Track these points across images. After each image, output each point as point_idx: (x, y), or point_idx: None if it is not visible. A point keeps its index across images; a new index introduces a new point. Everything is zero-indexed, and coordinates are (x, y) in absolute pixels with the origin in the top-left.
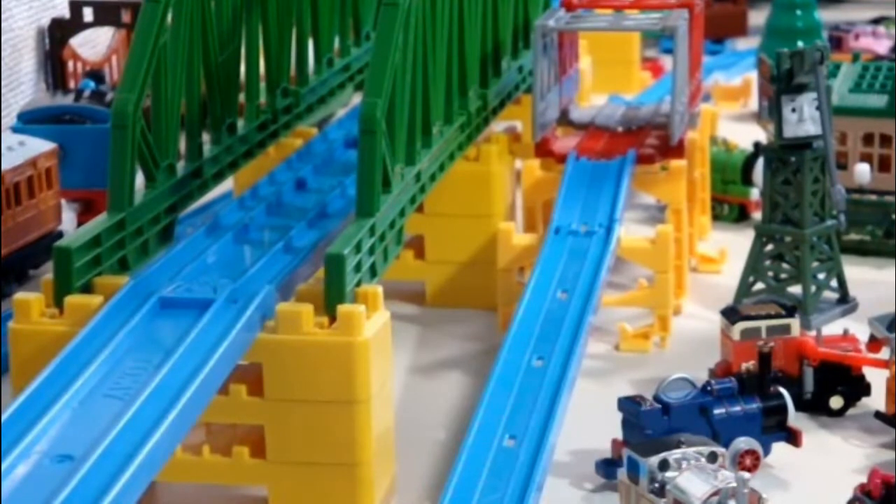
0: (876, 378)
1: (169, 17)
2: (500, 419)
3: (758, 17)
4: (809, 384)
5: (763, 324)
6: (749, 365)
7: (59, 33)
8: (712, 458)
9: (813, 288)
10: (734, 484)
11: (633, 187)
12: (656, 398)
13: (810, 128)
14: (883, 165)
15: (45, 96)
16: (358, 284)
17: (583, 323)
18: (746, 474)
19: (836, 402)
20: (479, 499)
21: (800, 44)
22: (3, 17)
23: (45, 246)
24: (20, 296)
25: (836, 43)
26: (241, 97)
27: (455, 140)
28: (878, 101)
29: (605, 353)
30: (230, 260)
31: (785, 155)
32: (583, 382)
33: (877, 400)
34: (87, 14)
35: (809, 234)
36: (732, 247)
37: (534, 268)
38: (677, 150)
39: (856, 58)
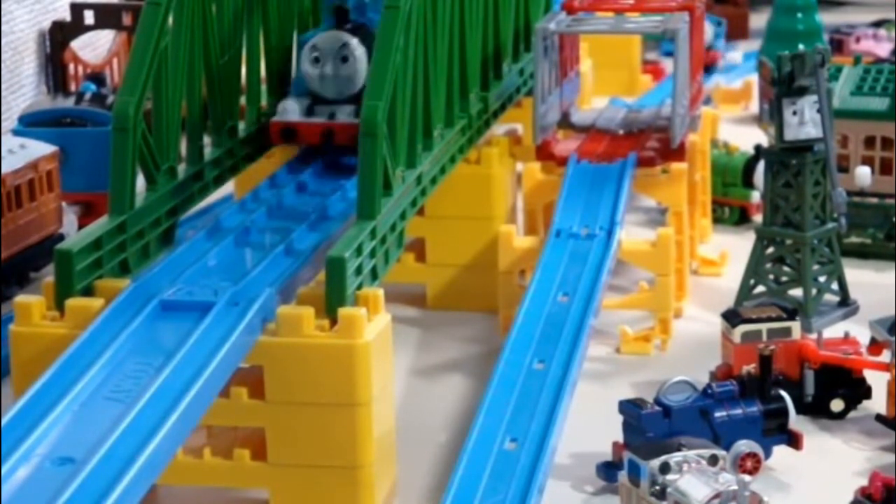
0: (877, 381)
1: (170, 20)
2: (500, 422)
3: (759, 20)
4: (810, 387)
5: (764, 326)
6: (750, 368)
7: (59, 36)
8: (713, 460)
9: (814, 291)
10: (735, 487)
11: (634, 190)
12: (657, 401)
13: (811, 131)
14: (884, 168)
15: (45, 99)
16: (359, 287)
17: (584, 326)
18: (747, 477)
19: (836, 404)
20: (480, 501)
21: (801, 46)
22: (3, 19)
23: (46, 249)
24: (21, 298)
25: (837, 46)
26: (243, 100)
27: (456, 143)
28: (880, 103)
29: (605, 355)
30: (231, 263)
31: (786, 158)
32: (584, 385)
33: (878, 403)
34: (88, 17)
35: (810, 237)
36: (733, 250)
37: (535, 271)
38: (678, 153)
39: (857, 60)
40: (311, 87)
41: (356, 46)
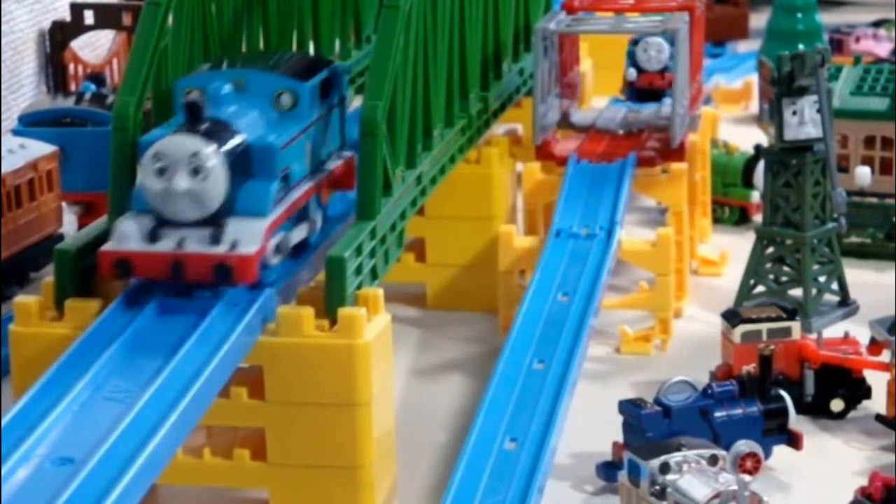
0: (877, 381)
1: (170, 20)
2: (500, 422)
3: (759, 20)
4: (810, 387)
5: (764, 326)
6: (750, 368)
7: (59, 36)
8: (713, 460)
9: (814, 291)
10: (735, 487)
11: (634, 190)
12: (657, 401)
13: (811, 130)
14: (884, 168)
15: (45, 99)
16: (359, 287)
17: (583, 325)
18: (747, 477)
19: (836, 404)
20: (480, 501)
21: (801, 46)
22: (3, 19)
23: (46, 248)
24: (21, 298)
25: (837, 45)
26: None
27: (456, 143)
28: (880, 103)
29: (605, 355)
30: None
31: (786, 158)
32: (583, 385)
33: (877, 403)
34: (88, 17)
35: (810, 237)
36: (733, 249)
37: (535, 270)
38: (678, 153)
39: (857, 60)
40: (155, 204)
41: (211, 155)
